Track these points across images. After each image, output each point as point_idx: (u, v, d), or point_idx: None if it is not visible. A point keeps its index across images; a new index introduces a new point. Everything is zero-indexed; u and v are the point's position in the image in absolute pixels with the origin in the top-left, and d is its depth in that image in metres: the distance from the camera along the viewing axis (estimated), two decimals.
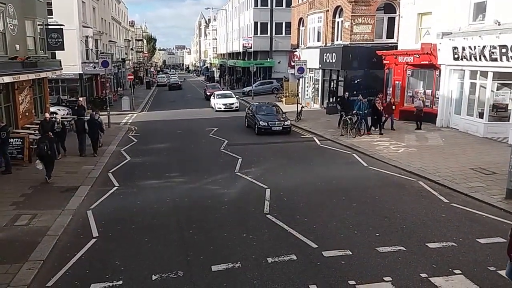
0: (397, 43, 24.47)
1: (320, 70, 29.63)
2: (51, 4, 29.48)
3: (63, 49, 23.62)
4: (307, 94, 32.47)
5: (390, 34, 25.81)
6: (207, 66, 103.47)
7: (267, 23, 49.94)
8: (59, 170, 14.01)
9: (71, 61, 31.03)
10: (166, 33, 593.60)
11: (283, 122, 20.74)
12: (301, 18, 33.79)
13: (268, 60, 50.75)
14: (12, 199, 11.06)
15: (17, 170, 13.94)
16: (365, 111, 19.28)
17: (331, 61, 27.12)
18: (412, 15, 21.51)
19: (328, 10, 28.15)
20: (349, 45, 25.34)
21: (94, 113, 17.75)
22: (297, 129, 22.33)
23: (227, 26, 62.21)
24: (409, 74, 22.51)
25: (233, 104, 31.05)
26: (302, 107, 24.86)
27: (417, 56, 20.59)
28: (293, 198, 11.05)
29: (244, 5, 55.09)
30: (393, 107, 20.47)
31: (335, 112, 25.99)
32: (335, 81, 27.72)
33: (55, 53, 27.30)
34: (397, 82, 23.25)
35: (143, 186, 12.54)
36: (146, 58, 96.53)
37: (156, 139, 20.71)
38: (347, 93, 22.98)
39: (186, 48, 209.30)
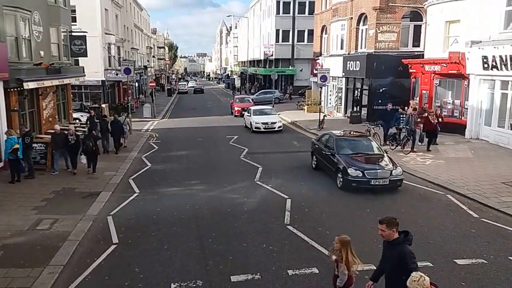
0: (423, 51, 23.96)
1: (344, 79, 29.26)
2: (75, 12, 30.05)
3: (86, 56, 24.01)
4: (329, 103, 32.08)
5: (416, 42, 25.31)
6: (228, 74, 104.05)
7: (289, 30, 49.87)
8: (81, 175, 14.16)
9: (94, 68, 31.51)
10: (188, 40, 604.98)
11: (389, 171, 12.10)
12: (324, 26, 33.57)
13: (290, 68, 50.60)
14: (34, 203, 11.14)
15: (39, 175, 14.09)
16: (413, 126, 17.43)
17: (355, 69, 26.74)
18: (439, 23, 20.99)
19: (352, 18, 27.84)
20: (373, 53, 24.93)
21: (119, 115, 19.62)
22: None
23: (248, 34, 62.44)
24: (436, 84, 21.92)
25: (275, 123, 24.71)
26: (325, 115, 24.54)
27: (444, 65, 20.03)
28: (315, 209, 10.77)
29: (265, 13, 55.25)
30: (440, 119, 18.25)
31: (359, 122, 25.56)
32: (359, 89, 27.31)
33: (78, 59, 27.84)
34: (424, 91, 22.68)
35: (163, 193, 12.46)
36: (167, 65, 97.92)
37: (177, 146, 20.72)
38: (390, 105, 20.75)
39: (207, 56, 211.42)
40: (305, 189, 12.65)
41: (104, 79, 32.46)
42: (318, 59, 34.21)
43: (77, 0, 30.17)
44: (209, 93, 65.76)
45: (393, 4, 24.63)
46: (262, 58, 56.45)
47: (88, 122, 20.10)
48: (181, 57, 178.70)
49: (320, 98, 29.63)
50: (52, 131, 15.67)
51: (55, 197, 11.86)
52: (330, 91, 32.09)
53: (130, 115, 25.27)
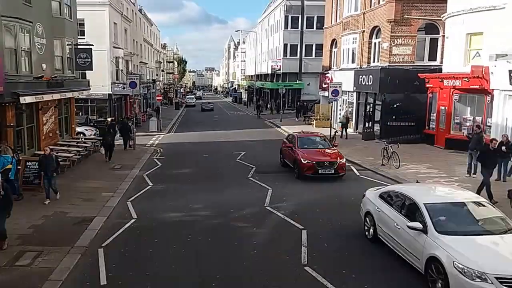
0: (440, 65, 22.85)
1: (355, 93, 28.14)
2: (83, 25, 29.65)
3: (91, 69, 23.25)
4: (339, 118, 30.83)
5: (432, 56, 24.16)
6: (235, 88, 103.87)
7: (297, 45, 49.08)
8: (75, 198, 13.10)
9: (101, 81, 30.92)
10: (196, 55, 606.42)
11: None
12: (334, 39, 32.63)
13: (297, 82, 49.65)
14: (20, 231, 10.01)
15: (32, 196, 13.01)
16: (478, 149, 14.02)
17: (367, 83, 25.63)
18: (459, 35, 19.81)
19: (364, 31, 26.86)
20: (387, 67, 23.82)
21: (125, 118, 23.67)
22: None
23: (256, 48, 61.85)
24: (455, 99, 20.68)
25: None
26: (336, 132, 23.32)
27: (466, 79, 18.79)
28: (336, 244, 9.42)
29: (274, 28, 54.67)
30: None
31: (371, 138, 24.36)
32: (371, 104, 26.14)
33: (85, 73, 27.21)
34: (442, 107, 21.45)
35: (162, 220, 11.29)
36: (176, 79, 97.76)
37: (181, 163, 19.63)
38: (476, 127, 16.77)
39: (215, 70, 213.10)
40: (323, 219, 11.18)
41: (110, 92, 31.69)
42: (328, 73, 33.20)
43: (86, 13, 29.86)
44: (216, 107, 64.88)
45: (408, 17, 23.59)
46: (269, 72, 55.66)
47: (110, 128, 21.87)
48: (189, 71, 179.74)
49: (330, 113, 28.43)
50: (41, 154, 13.94)
51: (44, 223, 10.74)
52: (340, 105, 30.95)
53: (134, 129, 24.03)
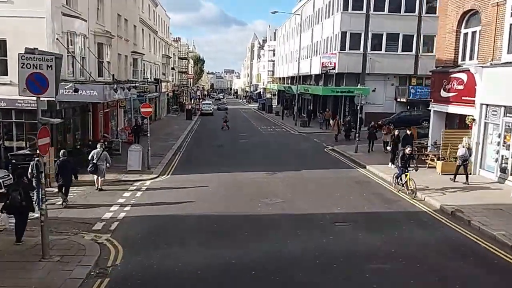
0: None
1: None
2: None
3: None
4: (496, 158, 15.60)
5: None
6: (260, 92, 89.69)
7: (360, 34, 34.39)
8: None
9: None
10: (214, 57, 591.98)
11: None
12: (466, 12, 17.83)
13: (360, 87, 34.64)
14: None
15: None
16: None
17: None
18: None
19: None
20: None
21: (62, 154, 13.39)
22: None
23: (292, 43, 47.00)
24: None
25: None
26: None
27: None
28: None
29: (323, 12, 39.87)
30: None
31: None
32: None
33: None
34: None
35: None
36: (192, 80, 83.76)
37: None
38: None
39: (235, 73, 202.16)
40: None
41: (53, 98, 17.17)
42: (456, 71, 18.26)
43: None
44: (240, 117, 50.31)
45: None
46: (316, 72, 40.98)
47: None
48: (208, 73, 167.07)
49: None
50: None
51: None
52: (496, 134, 15.85)
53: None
